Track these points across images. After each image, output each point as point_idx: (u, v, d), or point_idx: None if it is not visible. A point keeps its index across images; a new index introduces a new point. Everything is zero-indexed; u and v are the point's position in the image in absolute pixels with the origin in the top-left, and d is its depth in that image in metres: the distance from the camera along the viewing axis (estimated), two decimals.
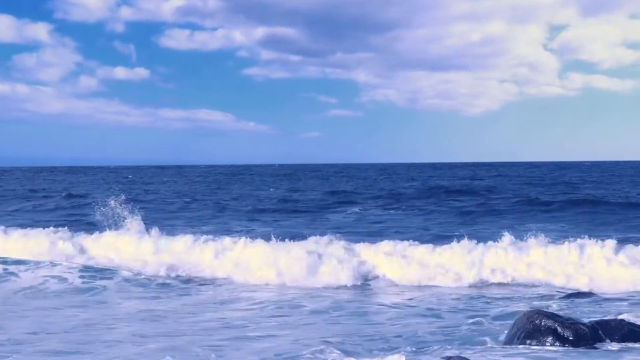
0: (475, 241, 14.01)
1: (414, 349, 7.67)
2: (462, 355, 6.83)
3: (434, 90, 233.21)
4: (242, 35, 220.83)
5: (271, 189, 46.90)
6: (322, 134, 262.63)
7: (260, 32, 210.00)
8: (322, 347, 7.61)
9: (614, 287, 11.68)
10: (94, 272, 13.65)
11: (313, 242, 14.60)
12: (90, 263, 14.52)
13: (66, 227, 17.14)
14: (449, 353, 7.17)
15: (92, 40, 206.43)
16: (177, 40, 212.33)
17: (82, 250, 15.59)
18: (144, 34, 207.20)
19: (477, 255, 13.36)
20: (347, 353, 7.36)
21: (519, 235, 14.25)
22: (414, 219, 24.65)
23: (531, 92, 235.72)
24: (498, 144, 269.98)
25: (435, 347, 7.68)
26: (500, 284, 12.66)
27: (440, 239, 16.24)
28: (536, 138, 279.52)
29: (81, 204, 30.68)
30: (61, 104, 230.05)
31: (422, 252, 13.86)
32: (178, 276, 13.66)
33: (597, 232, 16.83)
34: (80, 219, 23.55)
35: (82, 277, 13.25)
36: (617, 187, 41.91)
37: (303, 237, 15.17)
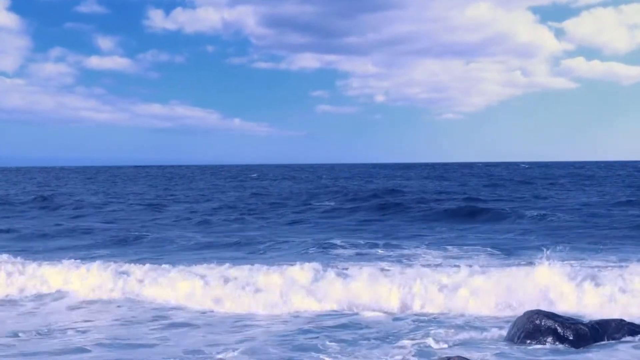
0: None
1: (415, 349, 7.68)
2: (462, 355, 6.81)
3: (426, 84, 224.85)
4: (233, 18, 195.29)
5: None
6: (315, 131, 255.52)
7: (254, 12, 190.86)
8: None
9: None
10: None
11: None
12: None
13: None
14: (449, 353, 7.17)
15: (57, 21, 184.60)
16: (156, 21, 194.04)
17: None
18: (121, 15, 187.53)
19: None
20: None
21: None
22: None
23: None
24: (498, 143, 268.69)
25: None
26: None
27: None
28: (531, 135, 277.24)
29: None
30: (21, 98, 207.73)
31: None
32: None
33: None
34: None
35: None
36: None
37: None
